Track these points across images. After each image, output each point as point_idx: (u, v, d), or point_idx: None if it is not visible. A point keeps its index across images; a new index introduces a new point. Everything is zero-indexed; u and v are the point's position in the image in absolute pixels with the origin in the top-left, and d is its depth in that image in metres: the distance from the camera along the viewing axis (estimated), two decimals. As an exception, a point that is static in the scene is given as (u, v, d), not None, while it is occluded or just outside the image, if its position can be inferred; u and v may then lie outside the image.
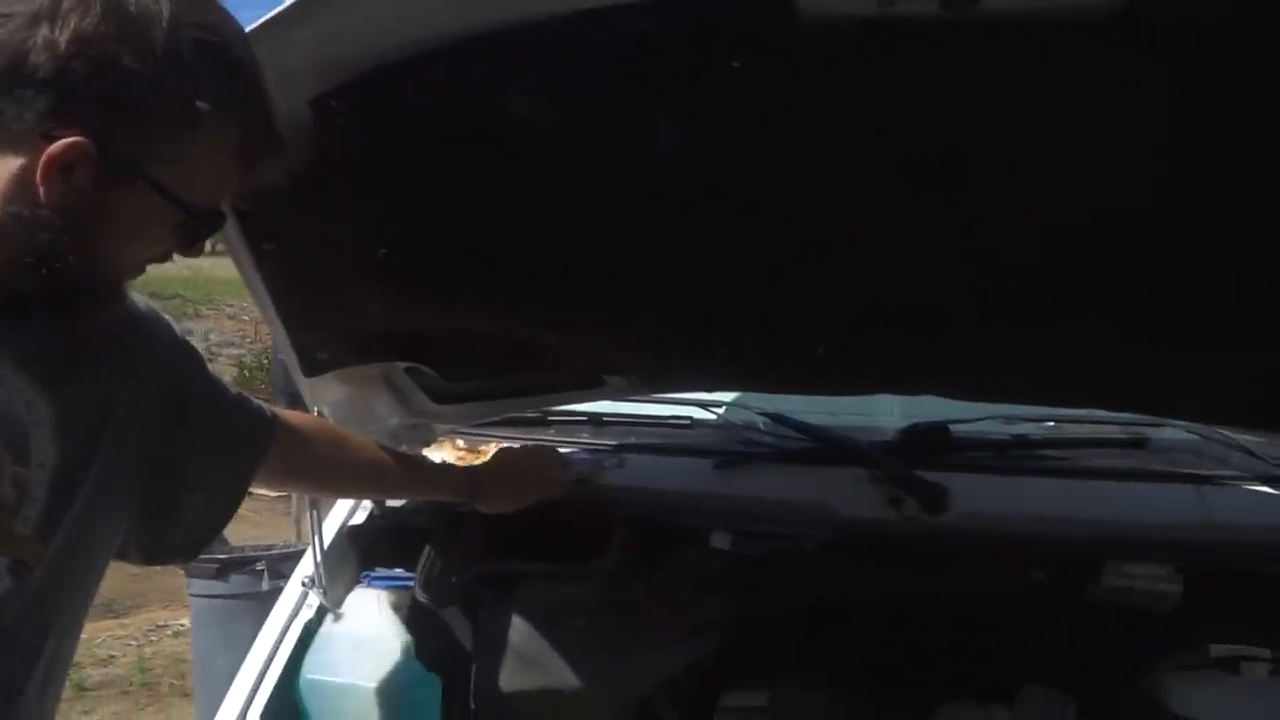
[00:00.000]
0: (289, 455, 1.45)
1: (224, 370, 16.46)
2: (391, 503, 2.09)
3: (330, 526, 2.09)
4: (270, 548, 5.25)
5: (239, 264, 1.52)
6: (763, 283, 1.46)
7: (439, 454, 2.13)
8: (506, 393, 1.95)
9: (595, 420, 2.18)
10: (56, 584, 1.09)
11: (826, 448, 1.94)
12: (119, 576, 6.46)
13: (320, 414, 1.85)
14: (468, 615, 1.93)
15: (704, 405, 2.16)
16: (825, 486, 1.83)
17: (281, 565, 4.68)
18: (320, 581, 1.92)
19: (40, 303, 1.00)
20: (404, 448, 2.02)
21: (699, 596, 1.88)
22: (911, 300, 1.45)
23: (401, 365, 1.85)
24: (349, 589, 2.01)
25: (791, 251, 1.37)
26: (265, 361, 12.36)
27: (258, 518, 8.77)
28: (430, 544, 1.95)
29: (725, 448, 1.99)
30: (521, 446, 1.87)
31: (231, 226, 1.44)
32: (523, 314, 1.64)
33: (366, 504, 2.16)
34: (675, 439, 2.09)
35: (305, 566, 1.97)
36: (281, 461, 1.43)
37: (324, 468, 1.57)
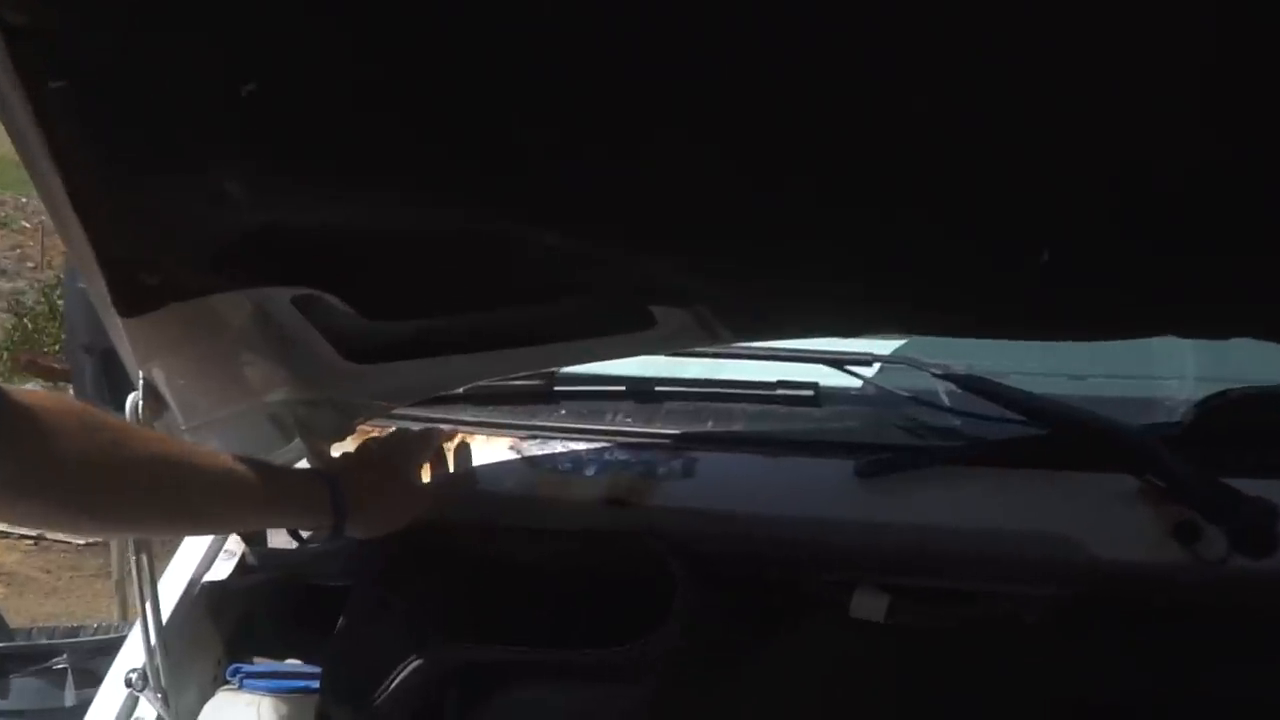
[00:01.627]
0: (22, 452, 1.51)
1: None
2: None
3: (172, 587, 2.13)
4: (76, 632, 5.30)
5: (9, 120, 1.54)
6: (944, 134, 1.47)
7: None
8: (476, 342, 2.00)
9: (641, 391, 2.25)
10: None
11: (1066, 437, 1.99)
12: None
13: (148, 386, 1.84)
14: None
15: (837, 362, 2.20)
16: (1062, 508, 1.90)
17: (95, 662, 4.72)
18: (157, 681, 1.97)
19: None
20: (296, 448, 2.05)
21: (828, 709, 1.97)
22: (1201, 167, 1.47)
23: (290, 293, 1.88)
24: (206, 694, 2.10)
25: (993, 77, 1.39)
26: (60, 301, 12.57)
27: (54, 580, 8.94)
28: (349, 614, 2.03)
29: (877, 439, 2.08)
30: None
31: None
32: (508, 192, 1.66)
33: (234, 546, 2.19)
34: (786, 424, 2.17)
35: (131, 657, 2.06)
36: (8, 465, 1.49)
37: (85, 477, 1.61)
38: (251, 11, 1.44)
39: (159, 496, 1.72)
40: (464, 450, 2.13)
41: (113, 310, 1.76)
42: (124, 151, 1.62)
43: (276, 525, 1.98)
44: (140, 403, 1.83)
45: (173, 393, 1.86)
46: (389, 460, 1.98)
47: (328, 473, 1.92)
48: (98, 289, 1.74)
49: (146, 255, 1.74)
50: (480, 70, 1.48)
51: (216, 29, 1.46)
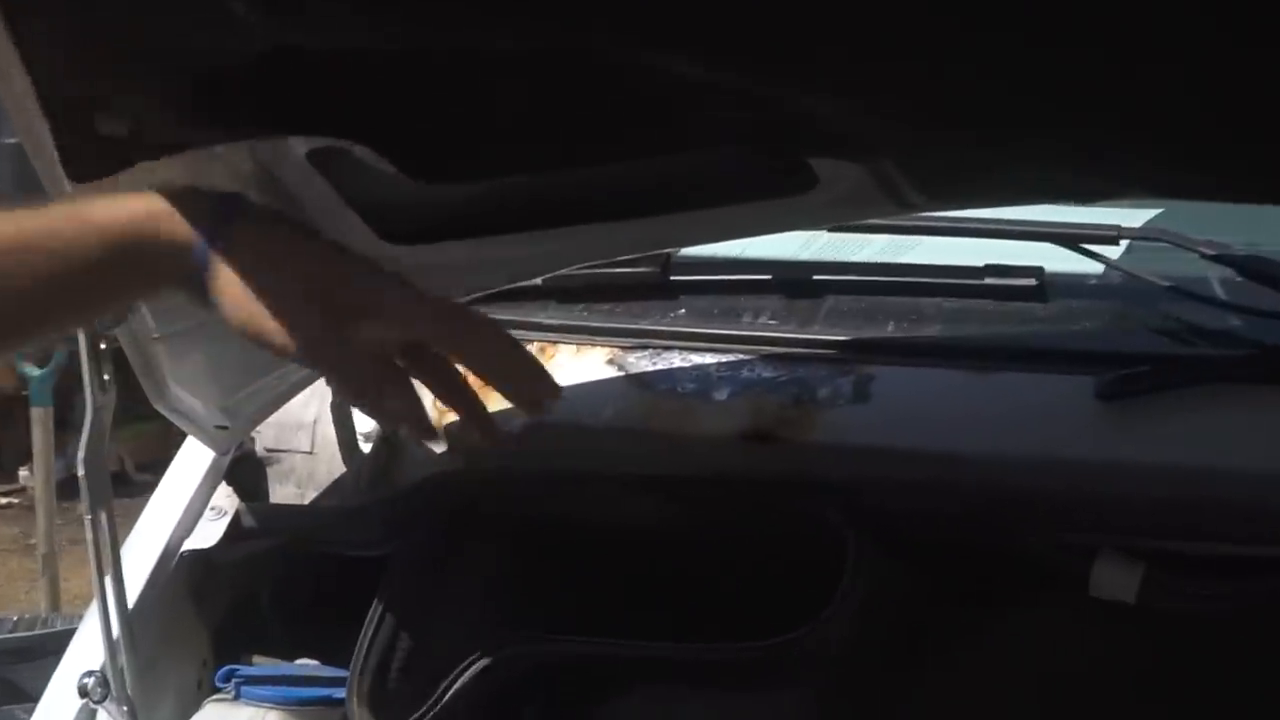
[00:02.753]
0: None
1: None
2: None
3: (139, 560, 2.15)
4: None
5: None
6: None
7: None
8: (565, 213, 2.03)
9: (792, 281, 2.27)
10: None
11: None
12: None
13: None
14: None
15: (1070, 239, 2.21)
16: None
17: (15, 670, 4.79)
18: (122, 689, 2.00)
19: None
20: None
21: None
22: None
23: (306, 145, 1.91)
24: (188, 705, 2.14)
25: None
26: None
27: None
28: (386, 597, 2.06)
29: (1127, 347, 2.09)
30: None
31: None
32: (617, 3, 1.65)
33: (223, 502, 2.22)
34: (999, 327, 2.20)
35: (83, 656, 2.09)
36: None
37: None
38: None
39: None
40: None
41: (60, 174, 1.76)
42: None
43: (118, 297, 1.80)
44: None
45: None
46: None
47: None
48: (38, 143, 1.74)
49: (109, 91, 1.76)
50: None
51: None
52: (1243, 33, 1.57)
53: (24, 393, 6.75)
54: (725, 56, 1.71)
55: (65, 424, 5.98)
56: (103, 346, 1.89)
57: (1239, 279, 2.11)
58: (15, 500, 9.11)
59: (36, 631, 5.17)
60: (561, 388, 2.06)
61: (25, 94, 1.69)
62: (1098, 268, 2.20)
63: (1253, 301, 2.09)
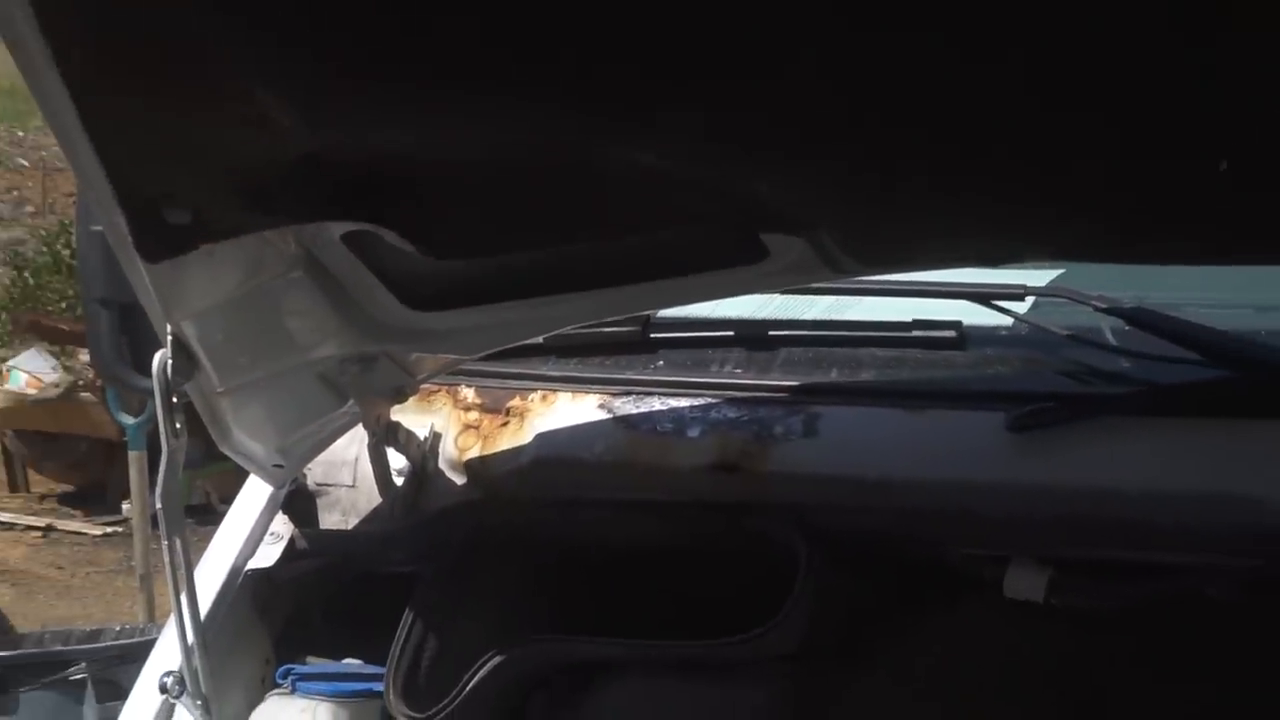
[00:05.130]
0: None
1: None
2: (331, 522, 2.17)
3: (211, 578, 2.16)
4: (96, 636, 5.42)
5: (10, 35, 1.54)
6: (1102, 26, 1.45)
7: (427, 419, 2.19)
8: (560, 283, 2.01)
9: (752, 337, 2.25)
10: None
11: (1254, 380, 1.99)
12: None
13: (177, 342, 1.83)
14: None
15: (983, 297, 2.20)
16: (1251, 464, 1.90)
17: (118, 670, 4.81)
18: (196, 686, 1.98)
19: None
20: (350, 411, 2.08)
21: (979, 709, 1.98)
22: None
23: (341, 231, 1.89)
24: (253, 699, 2.13)
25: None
26: (65, 251, 12.80)
27: (68, 577, 9.08)
28: (418, 606, 2.06)
29: (1033, 386, 2.08)
30: None
31: None
32: (594, 103, 1.66)
33: (280, 530, 2.21)
34: (925, 372, 2.18)
35: (165, 660, 2.09)
36: None
37: None
38: None
39: None
40: (545, 411, 2.14)
41: (135, 255, 1.76)
42: (145, 66, 1.61)
43: None
44: (169, 362, 1.84)
45: (206, 350, 1.87)
46: None
47: None
48: (117, 230, 1.74)
49: (174, 189, 1.75)
50: None
51: None
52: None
53: (124, 439, 6.74)
54: (684, 151, 1.73)
55: (157, 465, 5.98)
56: (174, 400, 1.87)
57: (1127, 328, 2.10)
58: (119, 529, 9.11)
59: (135, 639, 5.13)
60: (562, 428, 2.12)
61: (105, 191, 1.69)
62: (1008, 320, 2.19)
63: (1140, 347, 2.08)
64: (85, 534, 9.45)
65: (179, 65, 1.61)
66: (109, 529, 9.32)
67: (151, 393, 1.87)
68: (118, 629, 5.67)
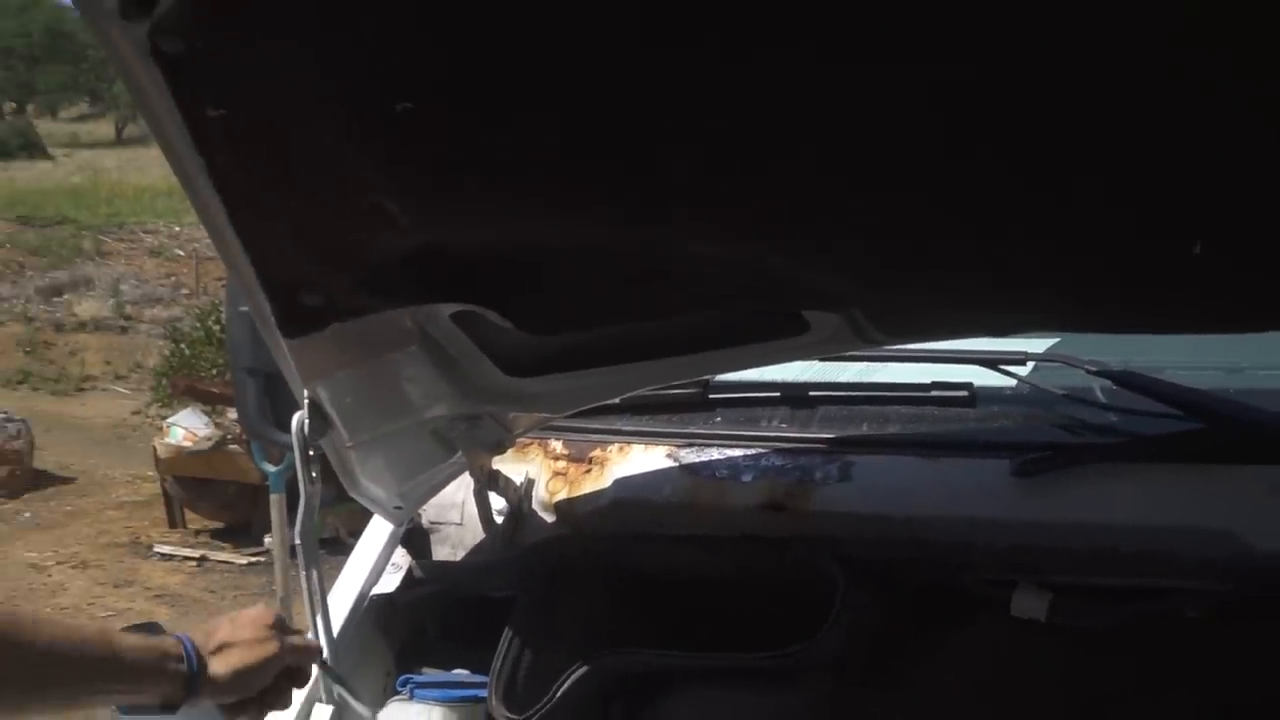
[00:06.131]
0: None
1: (148, 347, 17.21)
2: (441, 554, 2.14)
3: (342, 602, 2.15)
4: None
5: (169, 149, 1.56)
6: (1095, 124, 1.45)
7: (522, 467, 2.18)
8: (633, 353, 2.00)
9: (795, 397, 2.23)
10: None
11: (1223, 431, 1.97)
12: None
13: (314, 405, 1.86)
14: (583, 747, 2.02)
15: (992, 363, 2.19)
16: (1221, 502, 1.88)
17: None
18: (330, 694, 1.99)
19: None
20: (458, 461, 2.08)
21: (994, 710, 1.95)
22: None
23: (449, 311, 1.89)
24: (378, 704, 2.11)
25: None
26: (215, 327, 12.71)
27: (218, 600, 9.05)
28: (515, 624, 2.05)
29: (1034, 438, 2.06)
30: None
31: (154, 84, 1.48)
32: (657, 209, 1.67)
33: (400, 561, 2.22)
34: (942, 426, 2.16)
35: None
36: None
37: None
38: (403, 32, 1.44)
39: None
40: (621, 460, 2.14)
41: (276, 332, 1.78)
42: (282, 174, 1.63)
43: (129, 689, 1.68)
44: (306, 421, 1.86)
45: (337, 411, 1.88)
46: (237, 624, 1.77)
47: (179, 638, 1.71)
48: (261, 311, 1.76)
49: (308, 277, 1.76)
50: (629, 86, 1.48)
51: (368, 50, 1.47)
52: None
53: (266, 483, 6.77)
54: (736, 242, 1.73)
55: (294, 504, 5.98)
56: (310, 453, 1.89)
57: (1116, 388, 2.09)
58: (261, 559, 9.08)
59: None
60: (636, 474, 2.12)
61: (251, 278, 1.72)
62: (1012, 382, 2.18)
63: (1127, 404, 2.06)
64: (233, 563, 9.43)
65: (312, 174, 1.63)
66: (253, 559, 9.29)
67: (291, 446, 1.89)
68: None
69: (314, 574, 1.98)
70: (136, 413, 14.10)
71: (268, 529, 7.49)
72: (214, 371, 11.75)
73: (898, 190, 1.59)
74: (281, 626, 1.78)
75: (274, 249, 1.71)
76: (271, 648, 1.74)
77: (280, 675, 1.76)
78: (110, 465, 12.78)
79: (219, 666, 1.70)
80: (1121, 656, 1.92)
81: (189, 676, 1.67)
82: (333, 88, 1.52)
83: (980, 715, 1.96)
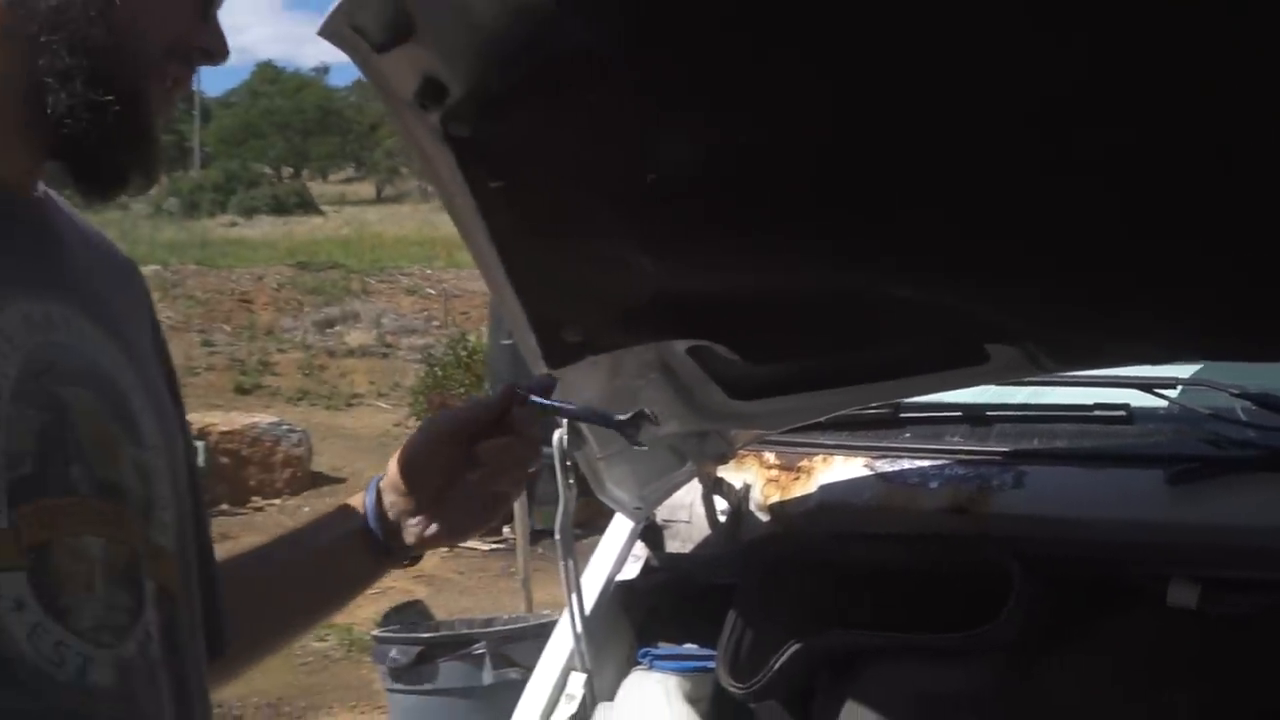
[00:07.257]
0: None
1: (406, 369, 17.72)
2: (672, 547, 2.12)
3: (591, 586, 2.16)
4: (490, 622, 5.40)
5: (455, 213, 1.61)
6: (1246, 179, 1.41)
7: (741, 474, 2.17)
8: (837, 379, 1.99)
9: (974, 416, 2.21)
10: (191, 623, 1.13)
11: None
12: (287, 670, 6.92)
13: (571, 425, 1.88)
14: (795, 712, 2.00)
15: (1147, 387, 2.15)
16: None
17: (508, 647, 4.81)
18: (584, 663, 2.01)
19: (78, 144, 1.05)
20: (688, 470, 2.10)
21: (1151, 683, 1.91)
22: None
23: (685, 345, 1.91)
24: (622, 673, 2.12)
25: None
26: (463, 353, 12.91)
27: (466, 580, 9.21)
28: (737, 607, 2.04)
29: (1184, 451, 2.01)
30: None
31: (444, 160, 1.53)
32: (868, 258, 1.67)
33: (639, 552, 2.23)
34: (1103, 441, 2.11)
35: (561, 643, 2.11)
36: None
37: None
38: (647, 115, 1.48)
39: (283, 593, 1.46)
40: (825, 469, 2.13)
41: (541, 362, 1.78)
42: (549, 233, 1.68)
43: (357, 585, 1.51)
44: (564, 437, 1.89)
45: (590, 430, 1.91)
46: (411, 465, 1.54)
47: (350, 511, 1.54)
48: (528, 345, 1.77)
49: (570, 317, 1.79)
50: (887, 159, 1.48)
51: (620, 132, 1.51)
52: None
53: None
54: (929, 285, 1.73)
55: (529, 497, 6.07)
56: (567, 464, 1.91)
57: (1255, 407, 2.05)
58: (501, 546, 9.17)
59: (518, 624, 5.20)
60: (838, 481, 2.11)
61: (520, 317, 1.74)
62: (1164, 403, 2.14)
63: (1264, 421, 2.02)
64: (477, 549, 9.55)
65: (574, 233, 1.68)
66: (495, 545, 9.41)
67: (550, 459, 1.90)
68: (505, 617, 5.70)
69: (570, 564, 2.02)
70: (397, 424, 14.35)
71: (507, 519, 7.59)
72: (461, 390, 11.89)
73: (1077, 258, 1.59)
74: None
75: (541, 294, 1.73)
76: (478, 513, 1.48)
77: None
78: (376, 468, 12.69)
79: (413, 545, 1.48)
80: (1264, 640, 1.87)
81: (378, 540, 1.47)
82: (589, 162, 1.56)
83: (1135, 690, 1.91)
